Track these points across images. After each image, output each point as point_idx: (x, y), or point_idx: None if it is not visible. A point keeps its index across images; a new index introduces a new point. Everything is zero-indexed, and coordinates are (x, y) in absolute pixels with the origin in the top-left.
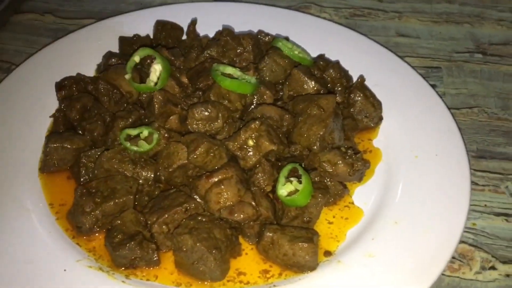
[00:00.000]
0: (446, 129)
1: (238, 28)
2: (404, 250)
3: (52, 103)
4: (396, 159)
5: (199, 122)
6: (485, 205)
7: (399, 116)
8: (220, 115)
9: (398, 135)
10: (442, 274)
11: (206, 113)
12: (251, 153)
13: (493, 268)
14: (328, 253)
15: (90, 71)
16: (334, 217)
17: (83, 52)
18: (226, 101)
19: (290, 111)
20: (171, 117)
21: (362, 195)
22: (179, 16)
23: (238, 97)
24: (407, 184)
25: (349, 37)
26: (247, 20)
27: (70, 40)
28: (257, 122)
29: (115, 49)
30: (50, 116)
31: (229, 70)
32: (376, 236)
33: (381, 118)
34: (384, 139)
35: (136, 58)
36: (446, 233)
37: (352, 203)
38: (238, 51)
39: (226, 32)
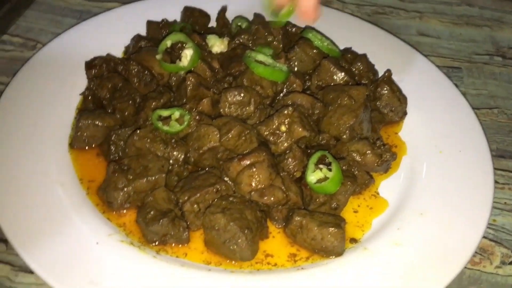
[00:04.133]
0: (470, 127)
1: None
2: (429, 241)
3: (81, 82)
4: (420, 153)
5: (232, 106)
6: (505, 202)
7: (423, 112)
8: (252, 100)
9: (422, 130)
10: (464, 267)
11: (239, 98)
12: (282, 138)
13: None
14: (354, 240)
15: (117, 53)
16: (359, 206)
17: (110, 34)
18: (258, 87)
19: (320, 100)
20: (203, 100)
21: (386, 186)
22: (205, 3)
23: (270, 84)
24: (432, 177)
25: (375, 33)
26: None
27: (98, 21)
28: (290, 109)
29: (142, 33)
30: (80, 94)
31: (261, 57)
32: (402, 226)
33: (405, 113)
34: (408, 133)
35: (168, 42)
36: (471, 227)
37: (377, 193)
38: (268, 39)
39: (257, 20)
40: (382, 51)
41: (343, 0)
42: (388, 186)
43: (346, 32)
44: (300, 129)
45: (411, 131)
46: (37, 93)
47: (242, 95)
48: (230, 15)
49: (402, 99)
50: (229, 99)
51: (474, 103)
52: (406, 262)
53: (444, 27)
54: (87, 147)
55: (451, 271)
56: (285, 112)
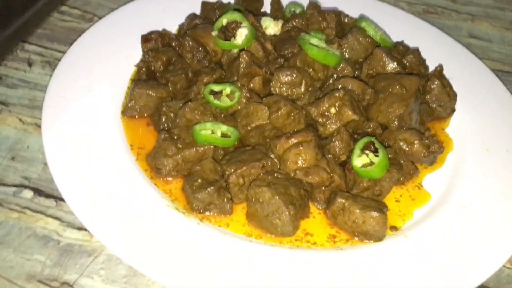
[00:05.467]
0: None
1: None
2: (471, 235)
3: (135, 54)
4: (467, 150)
5: (283, 85)
6: None
7: (472, 110)
8: (303, 81)
9: (470, 128)
10: (503, 266)
11: (291, 78)
12: (332, 120)
13: None
14: (394, 228)
15: (171, 30)
16: (401, 196)
17: (165, 12)
18: (310, 69)
19: (371, 87)
20: (255, 78)
21: (431, 180)
22: None
23: (322, 68)
24: (477, 174)
25: (428, 30)
26: (325, 0)
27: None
28: (342, 91)
29: (196, 12)
30: (135, 65)
31: (315, 41)
32: (443, 218)
33: (453, 110)
34: (455, 130)
35: (224, 20)
36: None
37: (421, 185)
38: (321, 26)
39: (312, 6)
40: (434, 48)
41: None
42: (432, 180)
43: (399, 26)
44: (350, 112)
45: (458, 128)
46: (93, 62)
47: (294, 75)
48: (284, 1)
49: (451, 95)
50: (281, 78)
51: None
52: (446, 253)
53: (496, 31)
54: (138, 116)
55: (490, 268)
56: (336, 94)
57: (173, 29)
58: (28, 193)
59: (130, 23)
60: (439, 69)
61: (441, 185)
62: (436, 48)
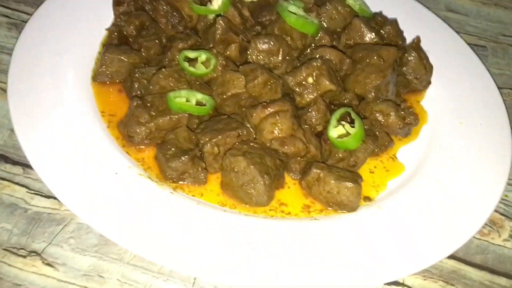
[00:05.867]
0: (492, 102)
1: None
2: (442, 207)
3: (107, 17)
4: (441, 123)
5: (260, 53)
6: None
7: (447, 83)
8: (281, 50)
9: (445, 101)
10: (473, 237)
11: (268, 46)
12: (309, 90)
13: None
14: (368, 199)
15: None
16: (375, 167)
17: None
18: (288, 37)
19: (349, 57)
20: (231, 45)
21: (405, 152)
22: None
23: (300, 36)
24: (451, 147)
25: (406, 2)
26: None
27: None
28: (319, 61)
29: None
30: (106, 29)
31: (293, 8)
32: (416, 189)
33: (429, 82)
34: (430, 103)
35: None
36: (484, 199)
37: (395, 157)
38: None
39: None
40: (412, 21)
41: None
42: (406, 152)
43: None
44: (327, 82)
45: (433, 101)
46: (62, 24)
47: (271, 43)
48: None
49: (428, 68)
50: (258, 46)
51: (496, 83)
52: (418, 224)
53: (473, 5)
54: (109, 82)
55: (461, 238)
56: (314, 64)
57: None
58: None
59: None
60: (417, 41)
61: (415, 157)
62: (414, 21)
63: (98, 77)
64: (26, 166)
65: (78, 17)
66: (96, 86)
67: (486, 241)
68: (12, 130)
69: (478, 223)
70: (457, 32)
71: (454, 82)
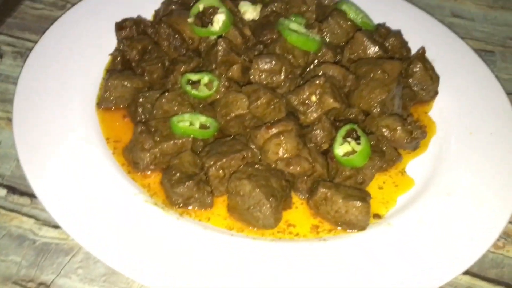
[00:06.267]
0: (502, 110)
1: None
2: (454, 221)
3: (110, 43)
4: (450, 134)
5: (262, 73)
6: None
7: (455, 93)
8: (283, 69)
9: (453, 111)
10: (487, 250)
11: (270, 65)
12: (313, 108)
13: None
14: (377, 216)
15: (147, 16)
16: (384, 183)
17: None
18: (290, 56)
19: (353, 72)
20: (233, 66)
21: (414, 166)
22: None
23: (302, 54)
24: (461, 159)
25: (410, 11)
26: None
27: None
28: (322, 79)
29: None
30: (109, 55)
31: (294, 26)
32: (427, 205)
33: (436, 93)
34: (438, 113)
35: (201, 6)
36: (497, 211)
37: (404, 171)
38: (301, 9)
39: None
40: (416, 30)
41: None
42: (415, 165)
43: (379, 8)
44: (331, 100)
45: (441, 111)
46: (66, 51)
47: (273, 62)
48: None
49: (434, 78)
50: (260, 66)
51: (506, 88)
52: (430, 240)
53: (479, 9)
54: (114, 108)
55: (475, 253)
56: (317, 82)
57: (148, 15)
58: (1, 191)
59: (104, 10)
60: (421, 52)
61: (425, 170)
62: (418, 30)
63: (102, 104)
64: (34, 196)
65: (81, 44)
66: (101, 112)
67: (501, 254)
68: (19, 160)
69: (493, 236)
70: (464, 38)
71: (462, 91)
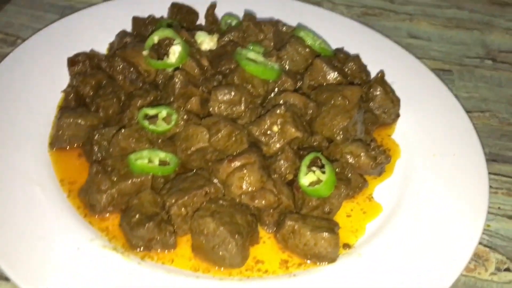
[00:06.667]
0: (463, 130)
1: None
2: (425, 247)
3: (62, 79)
4: (414, 156)
5: (222, 104)
6: (499, 207)
7: (416, 114)
8: (243, 99)
9: (416, 133)
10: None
11: (230, 96)
12: (275, 139)
13: (508, 270)
14: (347, 246)
15: (101, 50)
16: (352, 210)
17: (94, 30)
18: (249, 85)
19: (313, 100)
20: (192, 99)
21: (380, 190)
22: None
23: (261, 83)
24: (427, 182)
25: (366, 34)
26: (262, 10)
27: (81, 17)
28: (283, 108)
29: (127, 29)
30: (62, 91)
31: (252, 55)
32: (396, 232)
33: (398, 115)
34: (401, 136)
35: (155, 38)
36: (466, 233)
37: (372, 197)
38: (259, 37)
39: (248, 17)
40: (374, 53)
41: (333, 1)
42: (382, 190)
43: (337, 32)
44: (293, 130)
45: (404, 133)
46: (16, 89)
47: (232, 93)
48: (218, 13)
49: (395, 101)
50: (219, 97)
51: (465, 106)
52: (401, 269)
53: (435, 29)
54: (68, 147)
55: (448, 278)
56: (278, 111)
57: (102, 48)
58: None
59: (56, 45)
60: (381, 75)
61: (392, 194)
62: (376, 53)
63: (55, 144)
64: None
65: (32, 81)
66: (54, 153)
67: (473, 276)
68: None
69: (464, 259)
70: (421, 58)
71: (423, 113)
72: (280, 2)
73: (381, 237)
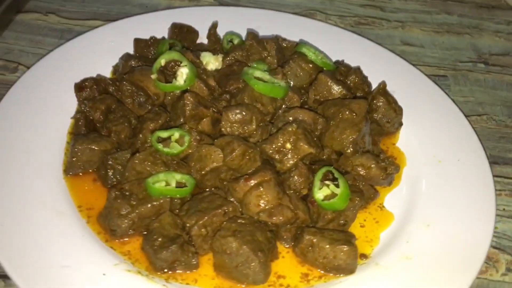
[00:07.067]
0: (465, 135)
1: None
2: (439, 252)
3: (70, 105)
4: (419, 164)
5: (234, 124)
6: (504, 209)
7: (418, 122)
8: (254, 118)
9: (419, 140)
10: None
11: (241, 116)
12: (288, 156)
13: None
14: (364, 256)
15: (104, 73)
16: (365, 220)
17: (97, 53)
18: (259, 104)
19: (322, 115)
20: (203, 120)
21: (390, 199)
22: (189, 19)
23: (270, 101)
24: (434, 188)
25: (363, 44)
26: (257, 25)
27: (83, 41)
28: (294, 125)
29: (128, 50)
30: (72, 118)
31: (259, 73)
32: (410, 239)
33: (401, 124)
34: (405, 144)
35: (162, 61)
36: (478, 236)
37: (383, 206)
38: (262, 55)
39: (251, 36)
40: (373, 62)
41: (326, 12)
42: (391, 198)
43: (335, 43)
44: (306, 146)
45: (407, 141)
46: (25, 118)
47: (243, 113)
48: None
49: (397, 110)
50: (231, 117)
51: (463, 111)
52: (419, 275)
53: (426, 36)
54: (83, 173)
55: (465, 281)
56: (289, 129)
57: (106, 71)
58: None
59: (61, 70)
60: (382, 86)
61: (402, 202)
62: (375, 62)
63: (70, 170)
64: (7, 278)
65: (41, 109)
66: (69, 179)
67: (486, 278)
68: None
69: (479, 263)
70: (416, 65)
71: (424, 120)
72: (274, 16)
73: (395, 246)
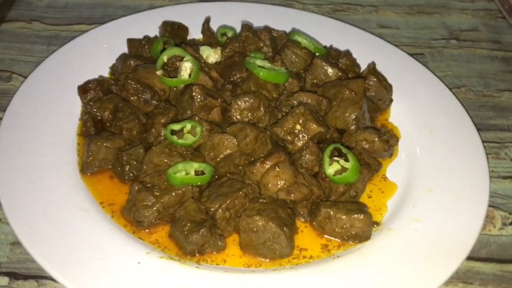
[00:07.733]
0: (451, 106)
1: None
2: (445, 213)
3: (74, 107)
4: (413, 135)
5: (243, 111)
6: (492, 170)
7: (407, 97)
8: (261, 104)
9: (410, 115)
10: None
11: (249, 103)
12: (299, 136)
13: None
14: (376, 224)
15: (102, 73)
16: (371, 191)
17: (92, 55)
18: (265, 90)
19: (324, 97)
20: (213, 110)
21: (391, 170)
22: (176, 17)
23: (274, 87)
24: (431, 156)
25: (344, 29)
26: (242, 18)
27: (77, 44)
28: (302, 108)
29: (121, 51)
30: (79, 119)
31: (260, 62)
32: (416, 204)
33: (391, 100)
34: (397, 119)
35: (165, 58)
36: (477, 195)
37: (386, 177)
38: (258, 45)
39: (246, 28)
40: (356, 46)
41: (302, 2)
42: (391, 169)
43: (321, 31)
44: (315, 126)
45: (399, 116)
46: (33, 124)
47: (252, 100)
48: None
49: (388, 87)
50: (240, 105)
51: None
52: (430, 234)
53: (400, 17)
54: (99, 171)
55: (471, 236)
56: (297, 111)
57: (103, 72)
58: (2, 280)
59: (61, 75)
60: (372, 66)
61: (402, 172)
62: (358, 46)
63: (87, 169)
64: (40, 277)
65: (46, 114)
66: (87, 178)
67: (486, 234)
68: (12, 244)
69: (481, 218)
70: (394, 45)
71: (412, 95)
72: (258, 9)
73: (403, 211)
